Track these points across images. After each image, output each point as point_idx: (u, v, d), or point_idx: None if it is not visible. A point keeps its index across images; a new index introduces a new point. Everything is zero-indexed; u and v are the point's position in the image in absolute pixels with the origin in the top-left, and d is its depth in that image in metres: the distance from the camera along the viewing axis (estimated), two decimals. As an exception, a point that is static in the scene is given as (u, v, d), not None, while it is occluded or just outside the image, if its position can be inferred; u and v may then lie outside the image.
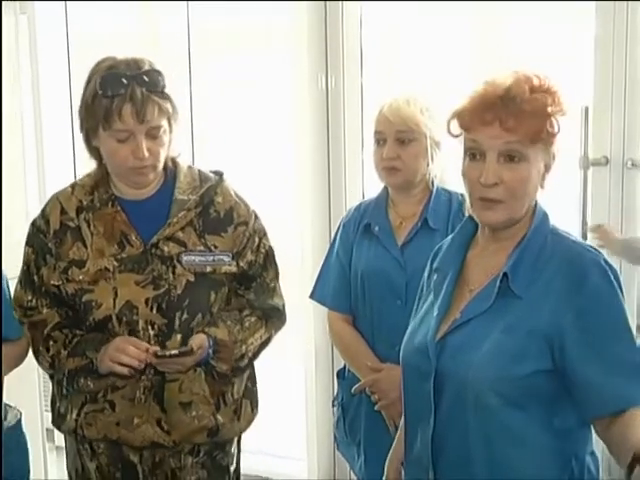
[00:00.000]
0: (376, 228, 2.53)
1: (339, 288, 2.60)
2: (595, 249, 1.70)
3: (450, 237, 1.87)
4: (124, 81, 2.05)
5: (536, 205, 1.73)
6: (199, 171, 2.28)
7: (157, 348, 2.12)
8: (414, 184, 2.50)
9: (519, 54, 3.26)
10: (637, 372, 1.63)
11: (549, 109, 1.65)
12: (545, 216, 1.74)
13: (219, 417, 2.25)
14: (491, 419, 1.65)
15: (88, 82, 2.13)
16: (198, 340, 2.15)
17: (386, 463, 1.99)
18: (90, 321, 2.19)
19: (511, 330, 1.64)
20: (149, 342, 2.15)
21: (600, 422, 1.63)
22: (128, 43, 3.82)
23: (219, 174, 2.29)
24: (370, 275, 2.51)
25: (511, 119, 1.62)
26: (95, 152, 2.20)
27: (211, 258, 2.20)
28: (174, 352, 2.11)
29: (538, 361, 1.63)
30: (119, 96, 2.04)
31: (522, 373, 1.63)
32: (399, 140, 2.45)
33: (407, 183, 2.50)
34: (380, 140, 2.48)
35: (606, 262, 1.67)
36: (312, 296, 2.68)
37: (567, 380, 1.64)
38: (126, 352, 2.09)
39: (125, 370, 2.10)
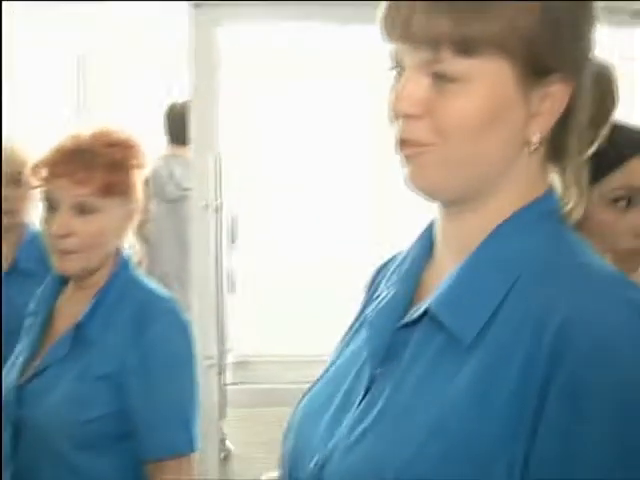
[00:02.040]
0: None
1: None
2: (170, 299, 1.80)
3: (48, 280, 1.87)
4: None
5: (118, 253, 1.79)
6: None
7: None
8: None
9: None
10: (181, 422, 1.73)
11: (127, 162, 1.74)
12: (126, 263, 1.79)
13: None
14: (62, 462, 1.69)
15: None
16: None
17: None
18: None
19: (83, 376, 1.70)
20: None
21: (149, 466, 1.71)
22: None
23: None
24: None
25: (82, 172, 1.69)
26: None
27: None
28: None
29: (106, 405, 1.69)
30: None
31: (91, 417, 1.68)
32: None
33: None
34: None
35: (173, 311, 1.77)
36: None
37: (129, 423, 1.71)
38: None
39: None
